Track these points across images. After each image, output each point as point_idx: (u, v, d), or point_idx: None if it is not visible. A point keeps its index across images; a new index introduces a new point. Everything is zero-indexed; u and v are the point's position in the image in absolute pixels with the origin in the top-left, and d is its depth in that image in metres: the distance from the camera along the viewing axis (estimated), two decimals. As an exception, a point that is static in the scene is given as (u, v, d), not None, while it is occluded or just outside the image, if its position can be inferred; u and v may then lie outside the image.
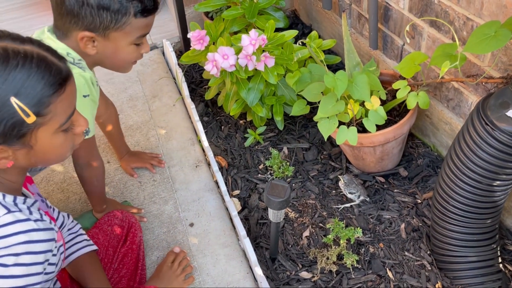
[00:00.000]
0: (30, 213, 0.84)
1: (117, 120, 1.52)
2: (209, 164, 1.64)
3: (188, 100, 1.78)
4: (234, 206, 1.44)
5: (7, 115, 0.73)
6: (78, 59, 1.11)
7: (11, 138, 0.76)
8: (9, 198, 0.84)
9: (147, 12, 1.10)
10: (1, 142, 0.75)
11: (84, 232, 1.16)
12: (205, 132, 1.71)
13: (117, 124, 1.53)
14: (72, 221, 1.15)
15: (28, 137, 0.78)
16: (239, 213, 1.50)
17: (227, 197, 1.47)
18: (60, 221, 1.10)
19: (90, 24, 1.06)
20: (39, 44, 0.79)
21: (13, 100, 0.72)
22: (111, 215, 1.29)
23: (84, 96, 1.11)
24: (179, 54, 2.12)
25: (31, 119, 0.75)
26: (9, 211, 0.81)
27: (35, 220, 0.82)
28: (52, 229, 0.85)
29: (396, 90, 1.39)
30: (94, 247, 1.14)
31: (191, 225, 1.45)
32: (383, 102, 1.47)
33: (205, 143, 1.62)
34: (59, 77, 0.77)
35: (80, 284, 1.13)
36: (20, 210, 0.82)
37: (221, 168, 1.63)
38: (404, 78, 1.42)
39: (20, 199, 0.86)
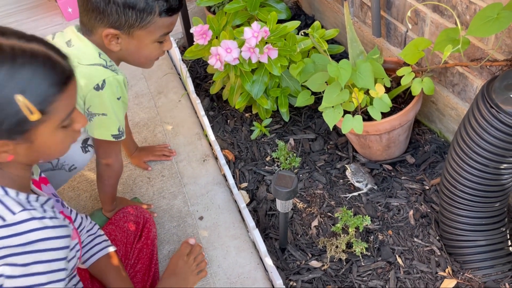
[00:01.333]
0: (44, 210, 0.85)
1: (126, 118, 1.54)
2: (216, 158, 1.65)
3: (193, 95, 1.79)
4: (242, 198, 1.45)
5: (13, 112, 0.75)
6: (109, 60, 1.13)
7: (14, 133, 0.77)
8: (22, 196, 0.85)
9: (172, 11, 1.10)
10: (5, 137, 0.77)
11: (102, 232, 1.18)
12: (211, 126, 1.72)
13: (126, 122, 1.54)
14: (90, 222, 1.16)
15: (31, 133, 0.79)
16: (247, 205, 1.51)
17: (235, 189, 1.48)
18: (78, 222, 1.12)
19: (115, 22, 1.06)
20: (44, 42, 0.79)
21: (19, 98, 0.74)
22: (125, 211, 1.31)
23: (118, 99, 1.13)
24: (182, 50, 2.13)
25: (35, 116, 0.76)
26: (25, 209, 0.82)
27: (50, 218, 0.83)
28: (66, 226, 0.86)
29: (401, 77, 1.39)
30: (114, 247, 1.16)
31: (201, 218, 1.47)
32: (387, 90, 1.47)
33: (212, 137, 1.63)
34: (63, 76, 0.79)
35: (102, 284, 1.15)
36: (35, 208, 0.83)
37: (228, 162, 1.64)
38: (408, 65, 1.41)
39: (33, 196, 0.87)
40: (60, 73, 0.79)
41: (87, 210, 1.52)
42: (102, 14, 1.05)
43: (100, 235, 1.16)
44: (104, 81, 1.09)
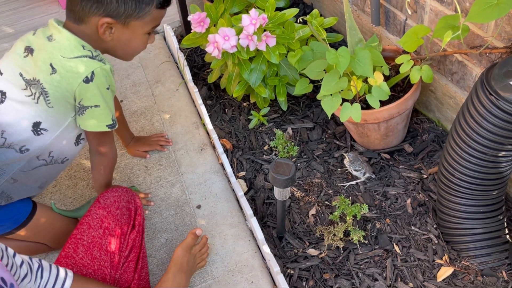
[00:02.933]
0: None
1: (119, 107, 1.52)
2: (214, 147, 1.64)
3: (191, 84, 1.78)
4: (240, 187, 1.45)
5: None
6: (95, 50, 1.11)
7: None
8: None
9: (167, 4, 1.14)
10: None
11: (48, 264, 0.96)
12: (209, 115, 1.71)
13: (120, 111, 1.53)
14: (45, 268, 0.94)
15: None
16: (245, 194, 1.51)
17: (233, 178, 1.47)
18: (26, 271, 0.90)
19: (114, 11, 1.06)
20: None
21: None
22: (115, 195, 1.22)
23: (107, 89, 1.12)
24: (180, 39, 2.11)
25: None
26: None
27: None
28: None
29: (399, 66, 1.38)
30: (71, 272, 1.00)
31: (198, 207, 1.47)
32: (386, 78, 1.46)
33: (210, 126, 1.62)
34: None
35: None
36: None
37: (226, 151, 1.64)
38: (407, 53, 1.40)
39: None
40: None
41: (84, 198, 1.52)
42: (99, 2, 1.05)
43: (52, 269, 0.95)
44: (92, 72, 1.08)
